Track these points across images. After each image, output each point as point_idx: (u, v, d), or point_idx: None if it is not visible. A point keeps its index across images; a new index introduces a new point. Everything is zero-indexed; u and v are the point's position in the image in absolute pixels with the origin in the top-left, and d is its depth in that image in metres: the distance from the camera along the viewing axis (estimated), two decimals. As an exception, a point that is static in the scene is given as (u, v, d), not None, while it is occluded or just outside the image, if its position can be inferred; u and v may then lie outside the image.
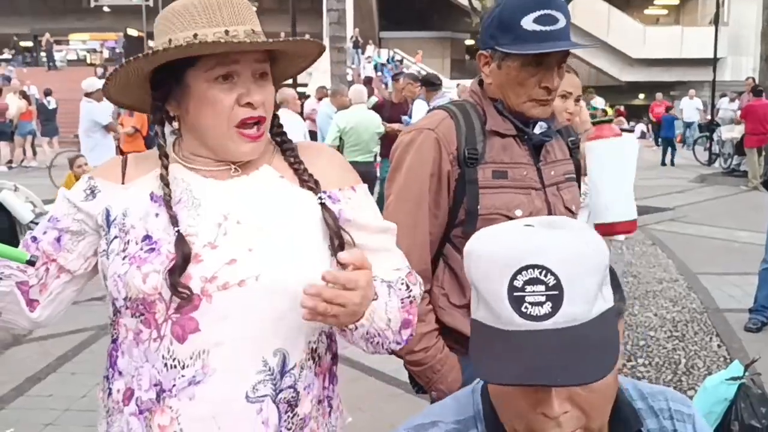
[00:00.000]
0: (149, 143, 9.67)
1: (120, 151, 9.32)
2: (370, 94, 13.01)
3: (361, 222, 1.33)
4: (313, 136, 9.15)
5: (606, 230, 2.07)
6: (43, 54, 29.96)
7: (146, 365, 1.23)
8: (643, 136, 24.90)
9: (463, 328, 1.67)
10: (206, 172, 1.29)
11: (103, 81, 1.33)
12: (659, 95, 22.04)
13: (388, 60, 28.61)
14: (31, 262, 1.17)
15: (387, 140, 7.37)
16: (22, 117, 16.48)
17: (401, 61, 28.15)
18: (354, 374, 4.15)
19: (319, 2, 26.56)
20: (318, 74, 21.67)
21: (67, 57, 31.26)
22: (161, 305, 1.20)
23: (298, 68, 1.40)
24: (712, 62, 17.04)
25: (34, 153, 16.85)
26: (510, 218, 1.66)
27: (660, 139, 21.31)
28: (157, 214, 1.24)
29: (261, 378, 1.22)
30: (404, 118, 7.99)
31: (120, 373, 1.27)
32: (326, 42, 13.75)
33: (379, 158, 7.76)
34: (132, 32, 31.13)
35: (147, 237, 1.23)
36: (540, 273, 0.89)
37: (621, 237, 2.74)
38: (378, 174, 7.78)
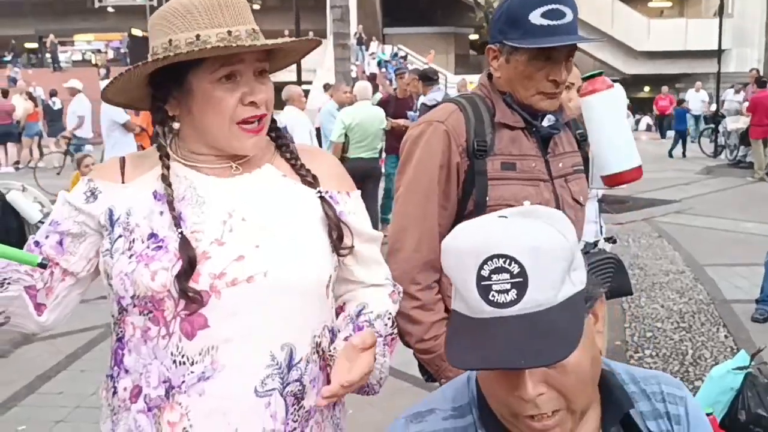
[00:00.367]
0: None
1: (141, 149, 9.41)
2: (375, 90, 13.02)
3: (355, 227, 1.37)
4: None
5: (615, 181, 2.11)
6: (48, 55, 30.06)
7: (155, 362, 1.23)
8: (649, 129, 24.87)
9: None
10: (208, 170, 1.31)
11: (106, 81, 1.33)
12: (665, 88, 21.97)
13: (392, 56, 28.58)
14: (42, 265, 1.18)
15: (391, 136, 7.39)
16: (29, 118, 16.55)
17: (405, 57, 28.12)
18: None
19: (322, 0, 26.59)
20: (322, 71, 21.72)
21: (72, 58, 31.34)
22: (170, 302, 1.21)
23: (289, 61, 1.43)
24: (717, 54, 16.98)
25: (41, 154, 16.92)
26: None
27: (665, 132, 21.32)
28: (161, 213, 1.25)
29: (269, 372, 1.24)
30: (410, 114, 8.00)
31: (126, 371, 1.27)
32: (330, 39, 13.76)
33: (383, 154, 7.78)
34: (137, 32, 31.16)
35: (153, 235, 1.24)
36: (505, 262, 0.93)
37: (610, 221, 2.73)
38: (383, 170, 7.81)
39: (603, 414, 1.09)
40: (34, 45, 34.68)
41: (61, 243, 1.29)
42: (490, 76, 1.79)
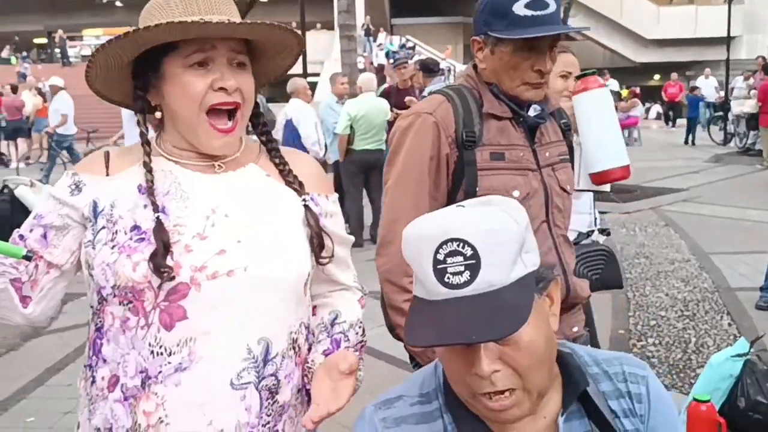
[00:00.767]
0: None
1: None
2: (383, 81, 12.99)
3: (332, 230, 1.40)
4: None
5: (602, 178, 2.13)
6: (57, 50, 30.20)
7: (132, 352, 1.25)
8: (659, 117, 24.71)
9: None
10: (192, 167, 1.33)
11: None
12: (674, 75, 21.83)
13: (400, 47, 28.51)
14: (27, 257, 1.20)
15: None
16: (38, 113, 16.65)
17: (413, 48, 28.04)
18: (367, 360, 4.21)
19: (329, -9, 26.51)
20: (330, 63, 21.69)
21: (81, 53, 31.46)
22: (150, 293, 1.23)
23: (282, 67, 1.43)
24: (726, 41, 16.84)
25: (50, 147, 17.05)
26: None
27: (675, 120, 21.20)
28: (145, 206, 1.27)
29: (245, 365, 1.25)
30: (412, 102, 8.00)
31: (104, 360, 1.28)
32: (336, 31, 13.76)
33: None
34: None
35: (136, 227, 1.26)
36: (459, 245, 0.99)
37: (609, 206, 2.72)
38: (388, 161, 7.79)
39: (563, 394, 1.14)
40: (44, 40, 34.84)
41: (45, 236, 1.31)
42: (476, 67, 1.81)
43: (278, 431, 1.32)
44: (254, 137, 1.45)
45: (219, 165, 1.34)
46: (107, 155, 1.36)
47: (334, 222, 1.43)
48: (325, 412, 1.23)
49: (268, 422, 1.30)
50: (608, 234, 2.66)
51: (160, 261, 1.20)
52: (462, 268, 0.99)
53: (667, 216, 8.56)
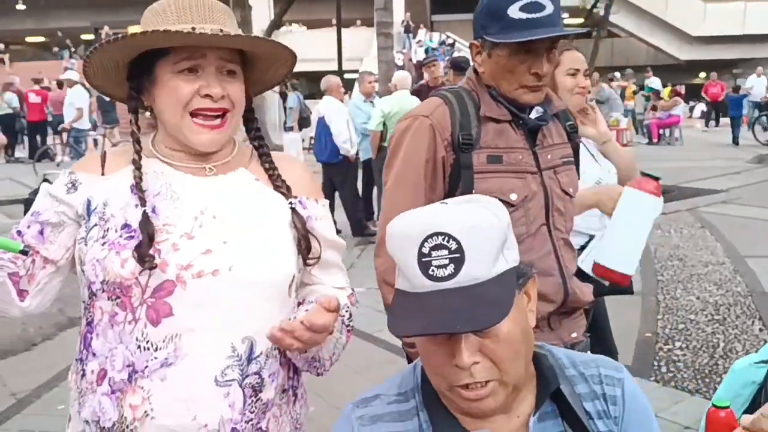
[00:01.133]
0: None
1: None
2: (421, 78, 12.98)
3: (321, 233, 1.44)
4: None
5: (602, 273, 2.04)
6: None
7: (120, 347, 1.29)
8: (703, 116, 24.18)
9: None
10: (184, 169, 1.38)
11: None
12: (713, 75, 21.32)
13: (439, 43, 28.42)
14: (24, 252, 1.25)
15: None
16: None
17: (453, 44, 27.93)
18: (389, 357, 4.26)
19: (368, -12, 26.58)
20: (369, 60, 21.75)
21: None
22: (137, 289, 1.27)
23: (277, 76, 1.48)
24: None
25: (95, 144, 17.43)
26: (505, 202, 1.68)
27: (718, 120, 20.72)
28: (136, 205, 1.32)
29: (229, 363, 1.29)
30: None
31: (94, 354, 1.33)
32: (375, 28, 13.79)
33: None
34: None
35: (126, 225, 1.31)
36: (443, 239, 1.03)
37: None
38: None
39: (537, 395, 1.16)
40: (90, 37, 35.62)
41: (41, 232, 1.36)
42: (476, 70, 1.82)
43: (261, 428, 1.36)
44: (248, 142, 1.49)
45: (210, 168, 1.39)
46: (104, 155, 1.42)
47: (324, 225, 1.46)
48: (297, 324, 1.25)
49: (251, 419, 1.33)
50: None
51: (143, 250, 1.25)
52: (446, 262, 1.03)
53: (704, 217, 8.39)
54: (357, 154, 7.54)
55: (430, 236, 1.04)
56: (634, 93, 20.13)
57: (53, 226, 1.36)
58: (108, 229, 1.31)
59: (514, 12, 1.64)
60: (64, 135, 14.01)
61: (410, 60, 22.88)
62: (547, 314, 1.78)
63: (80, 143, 13.04)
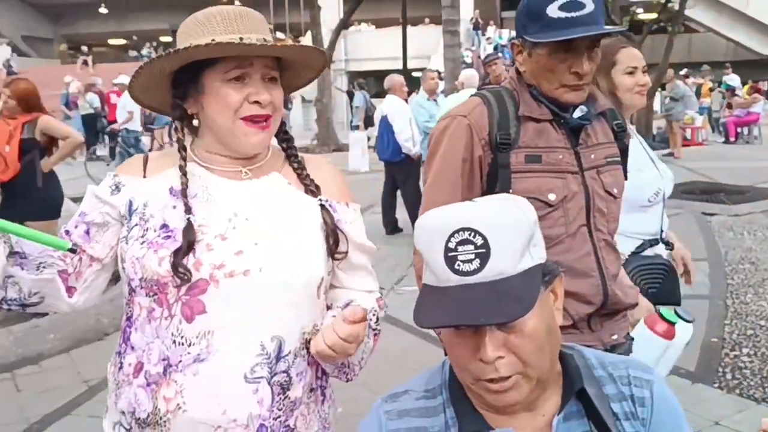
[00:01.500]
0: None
1: None
2: (488, 76, 12.87)
3: (350, 236, 1.47)
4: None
5: None
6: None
7: (156, 341, 1.35)
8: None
9: None
10: (221, 172, 1.44)
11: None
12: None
13: (509, 40, 28.09)
14: (72, 250, 1.32)
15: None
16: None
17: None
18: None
19: (437, -15, 26.51)
20: (437, 57, 21.72)
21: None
22: (173, 287, 1.33)
23: (306, 79, 1.54)
24: None
25: (171, 142, 18.04)
26: (543, 202, 1.71)
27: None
28: (174, 206, 1.39)
29: (258, 361, 1.34)
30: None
31: (132, 347, 1.39)
32: (441, 26, 13.80)
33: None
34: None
35: (164, 226, 1.37)
36: (469, 234, 1.05)
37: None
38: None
39: (562, 394, 1.17)
40: (168, 39, 36.80)
41: (87, 232, 1.43)
42: (518, 70, 1.81)
43: (289, 426, 1.40)
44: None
45: (246, 172, 1.45)
46: (146, 159, 1.50)
47: (354, 229, 1.49)
48: (333, 338, 1.30)
49: (279, 416, 1.38)
50: (671, 248, 2.57)
51: (179, 261, 1.31)
52: (472, 257, 1.05)
53: (782, 220, 8.04)
54: (419, 152, 7.56)
55: (457, 231, 1.06)
56: (711, 90, 19.42)
57: (98, 226, 1.43)
58: (147, 229, 1.38)
59: (552, 11, 1.64)
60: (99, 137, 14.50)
61: (479, 57, 22.69)
62: (586, 315, 1.76)
63: (132, 145, 13.50)
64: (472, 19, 27.05)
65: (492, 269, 1.04)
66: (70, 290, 1.43)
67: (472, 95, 1.88)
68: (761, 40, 29.04)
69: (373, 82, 21.72)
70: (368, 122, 11.06)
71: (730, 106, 17.51)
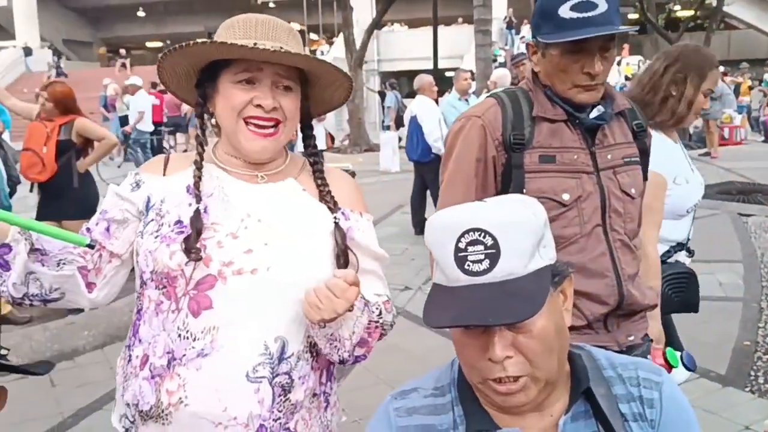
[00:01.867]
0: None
1: (331, 137, 9.92)
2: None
3: (361, 243, 1.49)
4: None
5: None
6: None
7: (162, 334, 1.38)
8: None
9: None
10: (237, 175, 1.47)
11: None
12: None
13: (541, 39, 27.77)
14: (91, 246, 1.35)
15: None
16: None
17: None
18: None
19: (469, -16, 26.38)
20: (470, 57, 21.66)
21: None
22: (182, 280, 1.37)
23: (337, 98, 1.56)
24: None
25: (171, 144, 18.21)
26: (557, 202, 1.71)
27: None
28: (190, 204, 1.42)
29: (261, 360, 1.36)
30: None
31: (140, 340, 1.42)
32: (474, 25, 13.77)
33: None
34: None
35: (179, 221, 1.41)
36: (479, 235, 1.06)
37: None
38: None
39: (570, 394, 1.18)
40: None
41: (108, 229, 1.46)
42: (534, 70, 1.82)
43: (289, 429, 1.42)
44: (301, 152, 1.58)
45: (261, 176, 1.48)
46: (167, 158, 1.54)
47: (366, 237, 1.51)
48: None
49: (279, 418, 1.39)
50: (692, 255, 2.55)
51: (190, 243, 1.35)
52: (482, 257, 1.05)
53: (822, 220, 7.84)
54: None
55: (467, 232, 1.06)
56: (750, 88, 19.01)
57: (118, 223, 1.47)
58: (162, 224, 1.42)
59: (564, 11, 1.65)
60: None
61: (512, 57, 22.56)
62: (602, 315, 1.76)
63: (141, 145, 13.62)
64: (505, 18, 26.89)
65: (502, 270, 1.05)
66: (89, 286, 1.46)
67: (487, 96, 1.90)
68: (804, 37, 28.35)
69: (406, 82, 21.75)
70: (399, 122, 11.08)
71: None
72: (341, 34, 20.00)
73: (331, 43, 28.88)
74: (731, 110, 15.04)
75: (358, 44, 17.45)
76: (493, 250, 1.05)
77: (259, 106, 1.41)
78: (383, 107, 17.03)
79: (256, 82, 1.41)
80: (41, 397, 3.78)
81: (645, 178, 1.92)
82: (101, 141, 5.21)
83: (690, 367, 2.06)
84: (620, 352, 1.65)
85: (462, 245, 1.06)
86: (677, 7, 22.18)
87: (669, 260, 2.43)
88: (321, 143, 8.69)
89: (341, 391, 1.67)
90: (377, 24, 19.09)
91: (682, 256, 2.48)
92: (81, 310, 5.00)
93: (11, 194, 5.49)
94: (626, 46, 25.60)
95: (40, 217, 4.86)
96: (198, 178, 1.44)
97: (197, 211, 1.40)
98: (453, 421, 1.19)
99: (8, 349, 1.29)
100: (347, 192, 1.54)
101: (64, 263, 1.40)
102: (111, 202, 1.50)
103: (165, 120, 17.66)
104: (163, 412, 1.37)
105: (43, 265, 1.38)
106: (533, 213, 1.11)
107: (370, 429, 1.24)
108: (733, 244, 6.61)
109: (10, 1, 32.42)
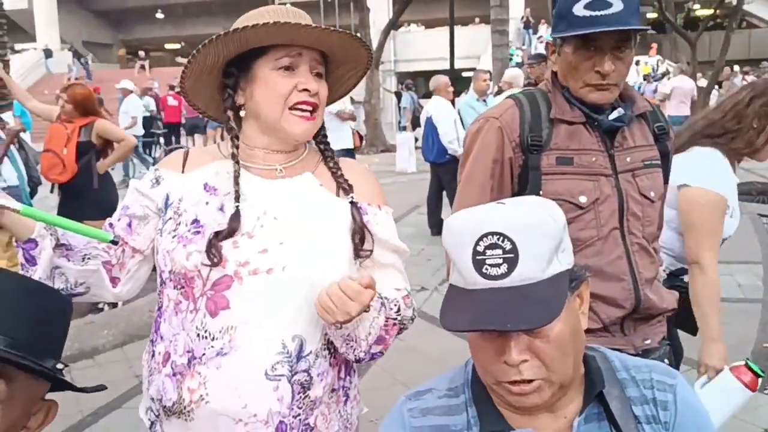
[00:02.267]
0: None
1: (359, 137, 9.97)
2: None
3: (380, 237, 1.49)
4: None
5: None
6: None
7: (182, 333, 1.40)
8: None
9: None
10: (255, 170, 1.48)
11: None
12: None
13: (559, 39, 27.62)
14: (114, 242, 1.38)
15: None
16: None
17: (574, 40, 27.03)
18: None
19: (487, -15, 26.29)
20: (487, 57, 21.61)
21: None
22: (199, 281, 1.39)
23: (342, 90, 1.58)
24: None
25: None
26: (574, 204, 1.71)
27: None
28: (207, 202, 1.43)
29: (279, 359, 1.38)
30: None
31: (161, 337, 1.45)
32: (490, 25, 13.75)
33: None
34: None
35: (195, 221, 1.42)
36: (498, 239, 1.05)
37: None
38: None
39: (584, 397, 1.18)
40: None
41: (130, 225, 1.49)
42: (554, 71, 1.82)
43: (309, 424, 1.43)
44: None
45: (280, 169, 1.48)
46: (186, 153, 1.54)
47: (385, 231, 1.51)
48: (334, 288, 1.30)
49: (299, 414, 1.41)
50: None
51: (216, 243, 1.36)
52: (500, 261, 1.05)
53: None
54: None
55: (485, 235, 1.06)
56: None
57: (139, 219, 1.49)
58: (180, 223, 1.43)
59: (578, 10, 1.66)
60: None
61: (529, 57, 22.47)
62: (618, 319, 1.75)
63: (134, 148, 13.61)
64: (522, 17, 26.80)
65: (520, 274, 1.05)
66: (114, 280, 1.49)
67: (506, 97, 1.90)
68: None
69: (423, 82, 21.69)
70: (416, 123, 11.09)
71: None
72: (357, 36, 19.99)
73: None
74: (752, 110, 14.84)
75: (374, 45, 17.47)
76: (512, 255, 1.05)
77: (305, 90, 1.42)
78: (400, 108, 17.05)
79: (295, 68, 1.43)
80: (61, 396, 3.81)
81: (665, 182, 1.91)
82: (121, 142, 5.27)
83: (762, 374, 2.02)
84: (636, 355, 1.64)
85: (480, 248, 1.06)
86: (696, 6, 21.98)
87: (682, 276, 2.37)
88: (348, 142, 8.70)
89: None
90: (394, 25, 19.09)
91: None
92: (101, 309, 5.07)
93: (32, 195, 5.55)
94: (654, 46, 25.38)
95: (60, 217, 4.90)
96: (237, 172, 1.44)
97: (237, 211, 1.40)
98: (467, 421, 1.19)
99: (67, 365, 1.30)
100: (364, 185, 1.54)
101: (88, 258, 1.43)
102: (132, 198, 1.51)
103: (183, 121, 17.80)
104: (185, 408, 1.40)
105: (69, 260, 1.41)
106: (552, 217, 1.10)
107: (384, 429, 1.24)
108: (752, 245, 6.55)
109: (31, 4, 32.79)
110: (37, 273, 1.38)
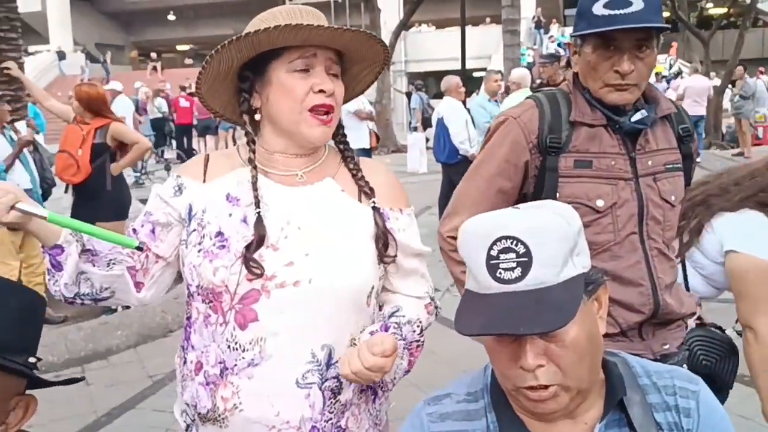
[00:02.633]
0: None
1: (376, 137, 9.96)
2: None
3: (402, 242, 1.49)
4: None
5: None
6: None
7: (213, 345, 1.41)
8: None
9: None
10: (275, 177, 1.46)
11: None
12: None
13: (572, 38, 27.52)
14: (139, 248, 1.38)
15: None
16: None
17: (586, 39, 26.90)
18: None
19: (498, -15, 26.24)
20: (498, 57, 21.57)
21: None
22: (227, 296, 1.39)
23: (357, 90, 1.57)
24: None
25: (234, 144, 18.36)
26: (590, 208, 1.69)
27: None
28: (230, 214, 1.42)
29: (310, 368, 1.39)
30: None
31: (193, 347, 1.46)
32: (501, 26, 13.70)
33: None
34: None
35: (220, 233, 1.41)
36: (512, 243, 1.05)
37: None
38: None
39: (605, 403, 1.16)
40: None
41: (153, 231, 1.48)
42: (576, 72, 1.80)
43: (341, 426, 1.44)
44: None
45: (301, 175, 1.47)
46: (207, 159, 1.52)
47: (405, 236, 1.50)
48: (357, 364, 1.33)
49: (331, 418, 1.42)
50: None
51: (250, 256, 1.36)
52: (514, 265, 1.05)
53: None
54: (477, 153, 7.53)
55: (499, 239, 1.05)
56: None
57: (162, 226, 1.49)
58: (204, 236, 1.43)
59: (597, 9, 1.65)
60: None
61: (540, 56, 22.41)
62: (636, 324, 1.73)
63: None
64: (534, 17, 26.73)
65: (534, 278, 1.04)
66: (138, 285, 1.49)
67: (527, 97, 1.88)
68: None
69: (434, 82, 21.69)
70: (426, 123, 11.08)
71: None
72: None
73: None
74: (765, 109, 14.77)
75: (385, 46, 17.45)
76: (525, 259, 1.04)
77: (321, 91, 1.41)
78: (410, 108, 17.04)
79: (310, 69, 1.42)
80: (75, 396, 3.85)
81: (687, 184, 1.88)
82: (135, 145, 5.29)
83: None
84: (655, 360, 1.62)
85: (494, 253, 1.06)
86: (709, 5, 21.84)
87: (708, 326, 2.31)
88: (365, 142, 8.69)
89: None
90: (404, 25, 19.09)
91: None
92: (114, 310, 5.09)
93: (46, 196, 5.58)
94: (674, 44, 25.18)
95: (74, 218, 4.93)
96: (255, 178, 1.43)
97: (259, 218, 1.40)
98: (486, 427, 1.19)
99: (39, 359, 1.31)
100: (384, 188, 1.52)
101: (113, 263, 1.44)
102: (154, 205, 1.51)
103: (195, 122, 17.88)
104: (219, 416, 1.42)
105: (94, 266, 1.42)
106: (566, 221, 1.09)
107: None
108: (767, 246, 6.49)
109: (44, 6, 33.02)
110: (63, 278, 1.39)
